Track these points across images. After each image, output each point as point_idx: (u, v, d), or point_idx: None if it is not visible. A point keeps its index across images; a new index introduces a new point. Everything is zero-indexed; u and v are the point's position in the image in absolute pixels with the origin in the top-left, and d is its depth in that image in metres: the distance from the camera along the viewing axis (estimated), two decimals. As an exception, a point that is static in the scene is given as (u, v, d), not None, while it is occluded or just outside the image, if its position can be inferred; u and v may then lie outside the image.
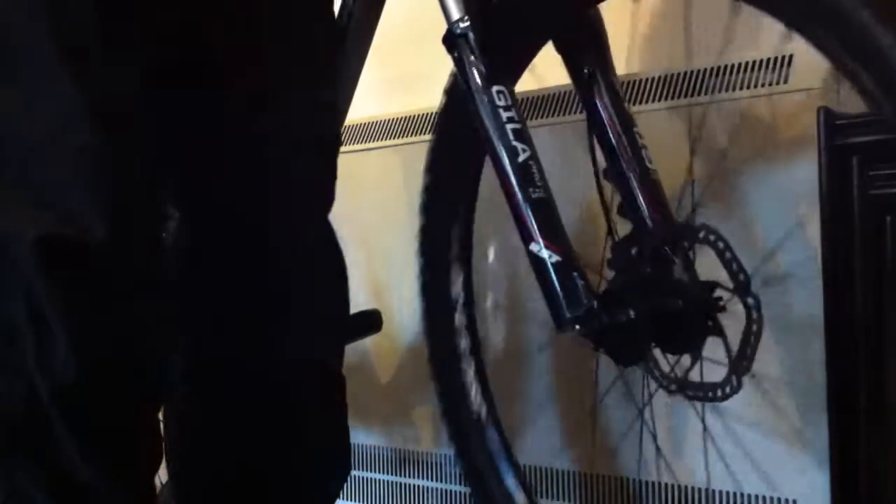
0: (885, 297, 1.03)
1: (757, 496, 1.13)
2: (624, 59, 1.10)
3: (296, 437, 0.97)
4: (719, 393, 0.90)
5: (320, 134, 0.97)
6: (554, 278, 0.87)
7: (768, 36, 1.01)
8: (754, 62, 1.14)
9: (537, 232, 0.88)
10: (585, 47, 0.98)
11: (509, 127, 0.89)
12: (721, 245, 0.88)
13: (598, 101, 0.97)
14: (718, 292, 0.89)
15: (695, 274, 0.90)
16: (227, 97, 0.88)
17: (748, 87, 1.14)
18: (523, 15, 0.97)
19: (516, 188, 0.88)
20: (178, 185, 0.89)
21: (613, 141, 0.96)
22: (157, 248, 0.84)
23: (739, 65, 1.16)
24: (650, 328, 0.90)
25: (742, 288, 0.87)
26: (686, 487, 1.19)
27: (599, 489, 1.28)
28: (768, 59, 1.13)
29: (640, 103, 1.22)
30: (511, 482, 1.12)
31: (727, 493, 1.15)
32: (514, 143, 0.89)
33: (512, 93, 0.91)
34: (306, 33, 0.94)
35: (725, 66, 1.17)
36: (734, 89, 1.15)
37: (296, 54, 0.93)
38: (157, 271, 0.83)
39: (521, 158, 0.88)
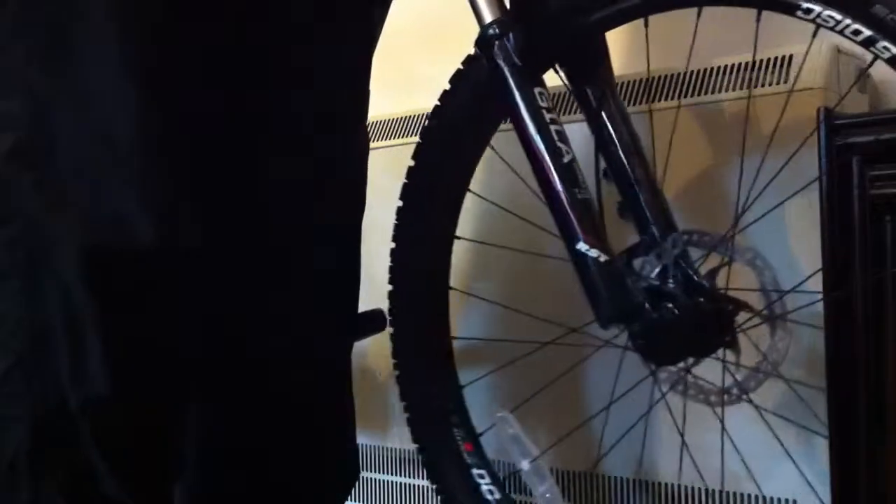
0: (885, 297, 1.03)
1: (757, 496, 1.13)
2: (624, 59, 1.10)
3: (306, 439, 0.97)
4: (725, 398, 0.94)
5: (330, 136, 0.97)
6: (599, 277, 0.89)
7: (768, 36, 1.01)
8: (754, 62, 1.14)
9: (583, 232, 0.89)
10: (592, 71, 0.99)
11: (553, 128, 0.90)
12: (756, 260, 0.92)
13: (608, 123, 0.98)
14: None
15: (713, 283, 0.93)
16: (236, 97, 0.88)
17: (748, 87, 1.14)
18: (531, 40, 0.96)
19: (561, 189, 0.89)
20: (209, 191, 0.88)
21: (624, 160, 0.98)
22: (202, 256, 0.83)
23: (739, 65, 1.16)
24: (694, 327, 0.92)
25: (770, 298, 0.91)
26: (686, 487, 1.19)
27: (598, 489, 1.28)
28: (768, 59, 1.13)
29: (640, 104, 1.22)
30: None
31: (727, 493, 1.15)
32: (559, 144, 0.90)
33: (550, 95, 0.91)
34: (326, 37, 0.94)
35: (726, 66, 1.17)
36: (734, 89, 1.15)
37: (312, 56, 0.93)
38: (175, 276, 0.82)
39: (565, 160, 0.90)
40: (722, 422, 0.99)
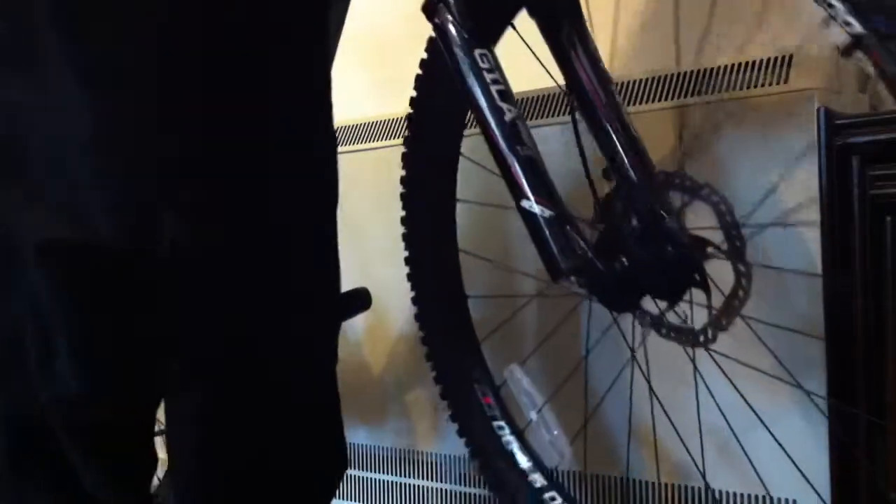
0: (885, 298, 1.03)
1: (757, 496, 1.14)
2: (625, 59, 1.10)
3: (298, 435, 0.97)
4: (700, 339, 0.95)
5: (316, 130, 0.97)
6: (546, 232, 0.90)
7: (768, 36, 1.01)
8: (754, 62, 1.14)
9: (528, 188, 0.90)
10: (560, 11, 0.99)
11: (494, 88, 0.90)
12: (715, 197, 0.91)
13: (576, 64, 0.97)
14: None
15: (682, 224, 0.93)
16: (240, 95, 0.88)
17: (748, 87, 1.14)
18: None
19: (505, 147, 0.90)
20: (186, 184, 0.88)
21: (593, 100, 0.97)
22: (169, 253, 0.83)
23: (739, 65, 1.16)
24: (644, 275, 0.92)
25: (730, 234, 0.91)
26: (685, 487, 1.20)
27: (596, 488, 1.28)
28: (768, 59, 1.13)
29: (641, 104, 1.22)
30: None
31: (727, 492, 1.16)
32: (500, 103, 0.90)
33: (494, 56, 0.92)
34: (304, 35, 0.94)
35: (726, 66, 1.17)
36: (734, 89, 1.15)
37: (294, 52, 0.93)
38: (166, 276, 0.82)
39: (507, 118, 0.90)
40: (694, 364, 1.01)
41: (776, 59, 1.13)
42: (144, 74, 0.80)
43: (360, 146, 1.55)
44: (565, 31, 0.98)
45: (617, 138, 0.96)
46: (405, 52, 1.38)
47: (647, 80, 1.23)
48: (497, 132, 0.90)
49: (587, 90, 0.97)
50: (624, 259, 0.92)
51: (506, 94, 0.91)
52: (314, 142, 0.96)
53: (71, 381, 0.77)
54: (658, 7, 1.01)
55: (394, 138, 1.51)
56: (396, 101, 1.53)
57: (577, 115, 0.99)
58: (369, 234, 1.44)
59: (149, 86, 0.80)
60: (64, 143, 0.77)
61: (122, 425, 0.82)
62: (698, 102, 1.17)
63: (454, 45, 0.92)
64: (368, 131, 1.56)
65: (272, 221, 0.93)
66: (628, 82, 1.24)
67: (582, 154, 0.99)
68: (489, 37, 0.96)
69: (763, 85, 1.13)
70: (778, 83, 1.11)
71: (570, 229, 0.91)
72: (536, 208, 0.89)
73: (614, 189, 0.97)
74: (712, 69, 1.18)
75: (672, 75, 1.21)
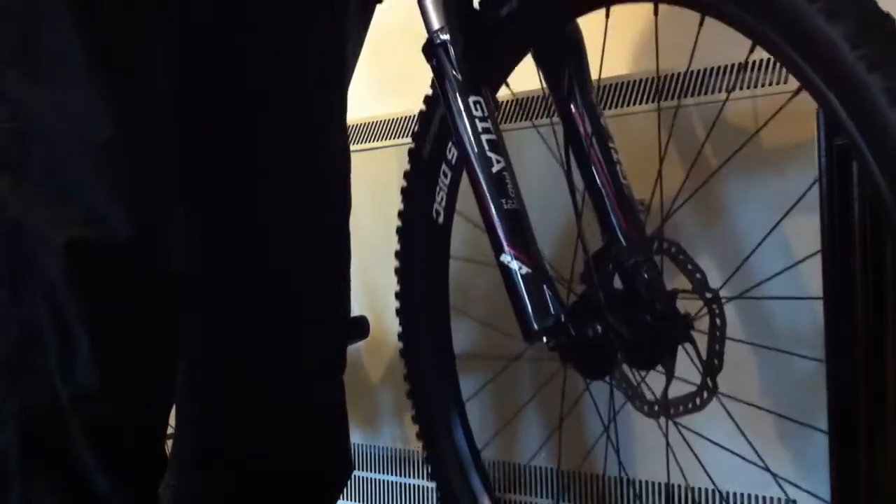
0: (885, 298, 1.03)
1: (757, 496, 1.14)
2: (625, 59, 1.10)
3: (303, 437, 0.97)
4: (681, 409, 0.91)
5: (325, 136, 0.98)
6: (523, 289, 0.88)
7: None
8: (755, 62, 1.14)
9: (508, 243, 0.88)
10: (564, 60, 0.98)
11: (484, 138, 0.89)
12: (690, 266, 0.89)
13: (575, 114, 0.97)
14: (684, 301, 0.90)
15: (664, 290, 0.91)
16: (240, 98, 0.88)
17: (748, 87, 1.14)
18: (504, 27, 0.97)
19: (489, 199, 0.88)
20: (187, 186, 0.88)
21: (589, 155, 0.97)
22: (182, 252, 0.83)
23: (740, 65, 1.16)
24: (618, 343, 0.89)
25: (708, 305, 0.88)
26: (686, 487, 1.20)
27: (601, 489, 1.28)
28: (769, 59, 1.13)
29: (641, 104, 1.22)
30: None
31: (727, 493, 1.16)
32: (489, 153, 0.89)
33: (489, 103, 0.91)
34: (320, 38, 0.94)
35: (726, 67, 1.17)
36: (735, 89, 1.15)
37: (311, 60, 0.93)
38: (180, 275, 0.82)
39: (494, 169, 0.89)
40: (667, 437, 0.98)
41: (777, 59, 1.13)
42: (160, 76, 0.80)
43: (359, 146, 1.55)
44: (569, 82, 0.97)
45: (608, 199, 0.95)
46: (405, 51, 1.38)
47: (645, 80, 1.23)
48: (483, 183, 0.89)
49: (585, 145, 0.96)
50: (598, 326, 0.89)
51: (496, 144, 0.90)
52: (323, 153, 0.97)
53: (92, 378, 0.77)
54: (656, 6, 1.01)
55: (393, 138, 1.51)
56: (396, 100, 1.53)
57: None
58: (368, 235, 1.44)
59: (164, 87, 0.81)
60: (77, 144, 0.77)
61: (137, 425, 0.82)
62: (699, 103, 1.17)
63: (449, 90, 0.91)
64: (368, 131, 1.56)
65: (278, 226, 0.93)
66: (628, 82, 1.24)
67: (575, 207, 0.97)
68: (489, 82, 0.95)
69: (763, 85, 1.13)
70: (778, 83, 1.11)
71: (548, 288, 0.88)
72: (514, 264, 0.87)
73: (601, 250, 0.95)
74: (712, 69, 1.18)
75: (672, 75, 1.21)
